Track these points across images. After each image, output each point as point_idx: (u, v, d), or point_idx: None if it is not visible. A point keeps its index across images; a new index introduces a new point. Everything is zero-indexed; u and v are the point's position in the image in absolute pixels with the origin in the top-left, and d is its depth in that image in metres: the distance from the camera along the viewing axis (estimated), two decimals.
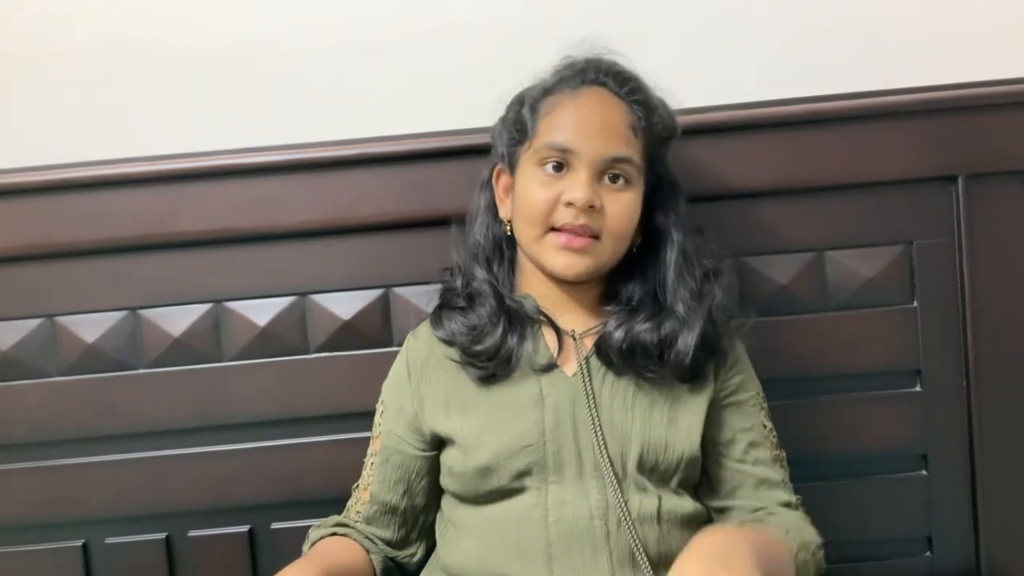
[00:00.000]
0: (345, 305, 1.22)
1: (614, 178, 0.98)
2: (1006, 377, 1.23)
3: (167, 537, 1.24)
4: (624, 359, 0.98)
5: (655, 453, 0.97)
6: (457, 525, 1.01)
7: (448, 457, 1.01)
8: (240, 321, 1.22)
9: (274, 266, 1.22)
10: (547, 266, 0.99)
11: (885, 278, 1.22)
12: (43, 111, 1.24)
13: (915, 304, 1.23)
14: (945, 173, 1.21)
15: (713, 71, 1.24)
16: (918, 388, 1.24)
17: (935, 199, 1.22)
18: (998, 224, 1.22)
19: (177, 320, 1.22)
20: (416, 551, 1.06)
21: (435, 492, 1.05)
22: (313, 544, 1.03)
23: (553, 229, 0.97)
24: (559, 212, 0.96)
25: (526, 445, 0.96)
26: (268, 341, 1.22)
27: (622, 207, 0.98)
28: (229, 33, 1.24)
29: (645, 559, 0.94)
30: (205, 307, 1.22)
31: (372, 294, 1.22)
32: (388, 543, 1.05)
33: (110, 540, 1.24)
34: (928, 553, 1.26)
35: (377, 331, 1.22)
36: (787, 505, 1.00)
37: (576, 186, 0.95)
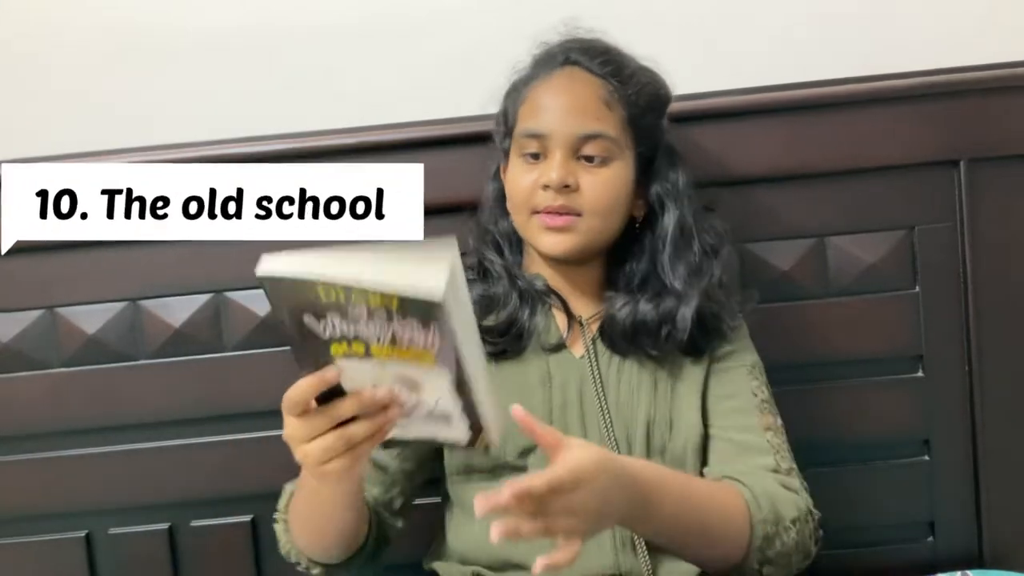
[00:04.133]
0: None
1: (591, 157, 0.98)
2: (1008, 362, 1.23)
3: (170, 527, 1.24)
4: (627, 339, 0.99)
5: (661, 433, 0.98)
6: (464, 506, 1.01)
7: None
8: (241, 311, 1.22)
9: None
10: (537, 247, 1.01)
11: (887, 264, 1.22)
12: (42, 102, 1.24)
13: (917, 289, 1.23)
14: (947, 157, 1.21)
15: (712, 56, 1.23)
16: (920, 374, 1.24)
17: (937, 184, 1.22)
18: (1000, 208, 1.21)
19: (178, 310, 1.22)
20: (399, 520, 1.03)
21: (425, 459, 1.03)
22: (292, 494, 1.00)
23: (536, 212, 0.99)
24: (538, 195, 0.98)
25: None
26: (269, 331, 1.22)
27: (600, 184, 0.98)
28: (225, 21, 1.23)
29: (643, 546, 0.95)
30: (205, 297, 1.22)
31: None
32: (375, 499, 1.03)
33: (113, 531, 1.24)
34: (930, 538, 1.26)
35: None
36: (774, 471, 0.96)
37: (550, 168, 0.97)
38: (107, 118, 1.24)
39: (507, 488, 0.70)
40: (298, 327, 0.67)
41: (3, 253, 1.19)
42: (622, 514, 0.81)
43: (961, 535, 1.25)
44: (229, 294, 1.22)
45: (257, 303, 1.22)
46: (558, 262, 1.01)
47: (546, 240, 0.99)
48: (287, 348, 1.20)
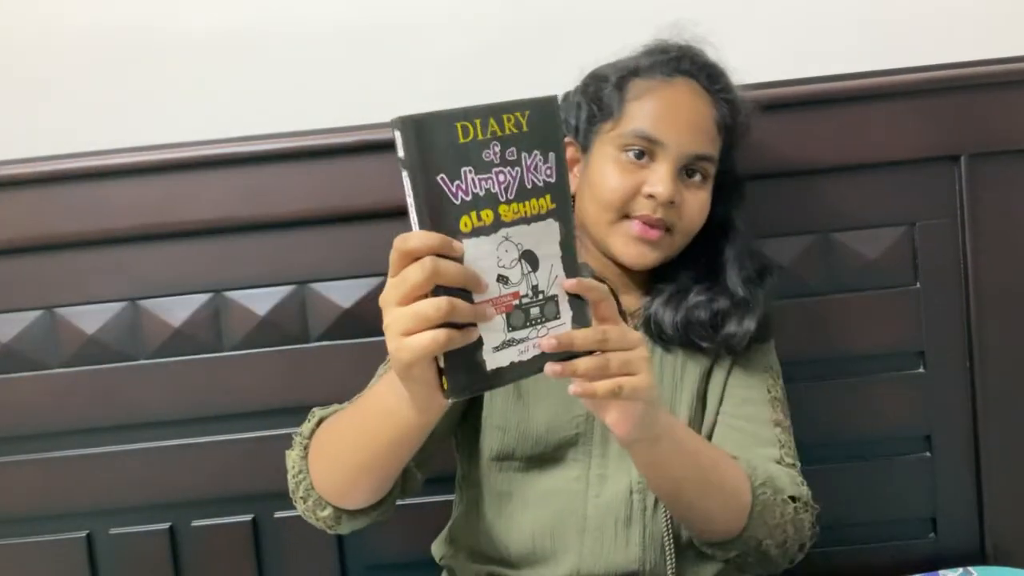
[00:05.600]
0: (345, 293, 1.22)
1: (693, 173, 0.97)
2: (1009, 357, 1.23)
3: (171, 527, 1.24)
4: (677, 331, 0.97)
5: (697, 427, 0.98)
6: (495, 494, 0.99)
7: (492, 415, 0.99)
8: (240, 311, 1.22)
9: (274, 255, 1.22)
10: (615, 253, 0.98)
11: (888, 260, 1.22)
12: (40, 101, 1.24)
13: (918, 285, 1.22)
14: (947, 153, 1.21)
15: (711, 53, 1.23)
16: (921, 370, 1.23)
17: (938, 179, 1.21)
18: (1001, 204, 1.21)
19: (177, 310, 1.22)
20: (420, 473, 0.95)
21: (451, 427, 1.00)
22: (321, 420, 0.92)
23: (627, 216, 0.96)
24: (638, 202, 0.95)
25: (575, 416, 0.96)
26: (268, 330, 1.22)
27: (699, 205, 0.98)
28: (226, 20, 1.23)
29: (671, 544, 0.94)
30: (205, 297, 1.22)
31: (372, 282, 1.22)
32: None
33: (114, 531, 1.24)
34: (932, 534, 1.26)
35: (377, 319, 1.18)
36: (777, 462, 0.95)
37: (659, 180, 0.94)
38: (109, 118, 1.23)
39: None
40: (431, 193, 0.65)
41: (2, 252, 1.21)
42: (661, 411, 0.78)
43: (963, 531, 1.25)
44: (228, 294, 1.22)
45: (256, 302, 1.22)
46: (620, 264, 0.99)
47: (633, 249, 0.96)
48: (286, 347, 1.22)
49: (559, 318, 0.70)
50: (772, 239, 1.21)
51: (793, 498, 0.92)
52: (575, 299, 0.70)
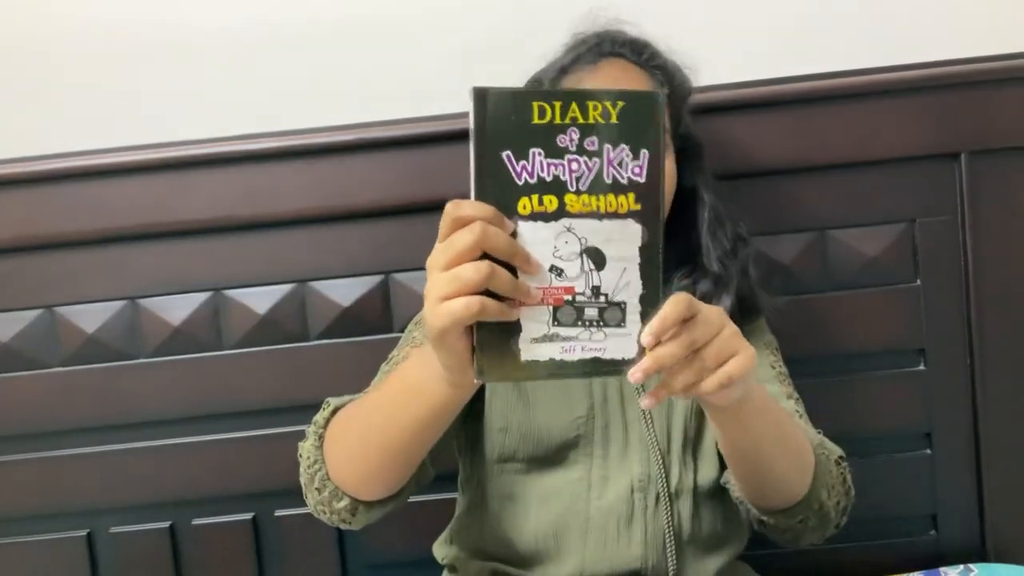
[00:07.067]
0: (345, 292, 1.22)
1: None
2: (1010, 355, 1.22)
3: (171, 526, 1.24)
4: None
5: (697, 425, 0.97)
6: (499, 496, 0.99)
7: (492, 416, 0.98)
8: (240, 309, 1.22)
9: (273, 254, 1.22)
10: None
11: (888, 257, 1.22)
12: (38, 100, 1.24)
13: (918, 283, 1.22)
14: (948, 150, 1.20)
15: (709, 51, 1.22)
16: (922, 367, 1.23)
17: (938, 176, 1.21)
18: (1001, 201, 1.21)
19: (177, 309, 1.22)
20: (431, 468, 0.95)
21: (454, 423, 0.96)
22: (336, 410, 0.90)
23: None
24: None
25: (576, 417, 0.96)
26: (268, 329, 1.22)
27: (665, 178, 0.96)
28: (225, 17, 1.23)
29: (673, 544, 0.94)
30: (205, 296, 1.22)
31: (372, 280, 1.22)
32: None
33: (114, 530, 1.24)
34: (933, 532, 1.26)
35: (377, 317, 1.22)
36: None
37: None
38: (116, 116, 1.23)
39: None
40: (493, 168, 0.64)
41: (1, 251, 1.20)
42: None
43: (963, 528, 1.25)
44: (228, 292, 1.22)
45: (256, 301, 1.22)
46: None
47: None
48: (286, 346, 1.22)
49: (623, 327, 0.66)
50: (772, 237, 1.21)
51: (841, 458, 0.93)
52: (649, 311, 0.66)
